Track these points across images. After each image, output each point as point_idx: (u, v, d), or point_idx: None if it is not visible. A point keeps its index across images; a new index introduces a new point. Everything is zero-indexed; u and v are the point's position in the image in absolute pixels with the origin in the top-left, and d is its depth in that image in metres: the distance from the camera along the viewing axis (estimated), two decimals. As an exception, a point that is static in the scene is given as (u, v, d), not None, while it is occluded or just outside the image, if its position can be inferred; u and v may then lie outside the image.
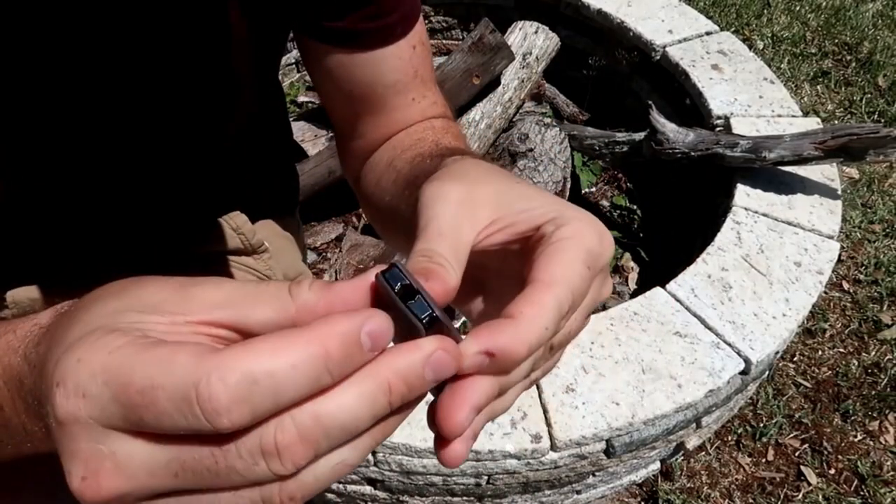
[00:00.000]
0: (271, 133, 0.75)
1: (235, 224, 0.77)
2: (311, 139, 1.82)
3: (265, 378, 0.21)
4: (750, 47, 2.11)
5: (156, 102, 0.55)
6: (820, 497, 1.33)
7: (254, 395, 0.20)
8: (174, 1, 0.49)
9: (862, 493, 1.34)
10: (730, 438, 1.42)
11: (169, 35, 0.51)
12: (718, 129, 1.64)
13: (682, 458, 1.37)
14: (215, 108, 0.58)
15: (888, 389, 1.49)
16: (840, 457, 1.39)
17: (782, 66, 2.40)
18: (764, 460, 1.39)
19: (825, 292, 1.69)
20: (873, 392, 1.49)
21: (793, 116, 1.64)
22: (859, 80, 2.38)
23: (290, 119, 0.68)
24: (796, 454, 1.40)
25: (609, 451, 1.13)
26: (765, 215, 1.41)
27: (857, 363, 1.55)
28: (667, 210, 1.83)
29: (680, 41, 1.85)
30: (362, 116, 0.59)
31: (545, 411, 1.08)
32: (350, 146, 0.62)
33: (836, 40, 2.54)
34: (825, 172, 1.50)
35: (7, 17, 0.48)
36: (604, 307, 1.63)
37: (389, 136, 0.59)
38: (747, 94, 1.69)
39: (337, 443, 0.22)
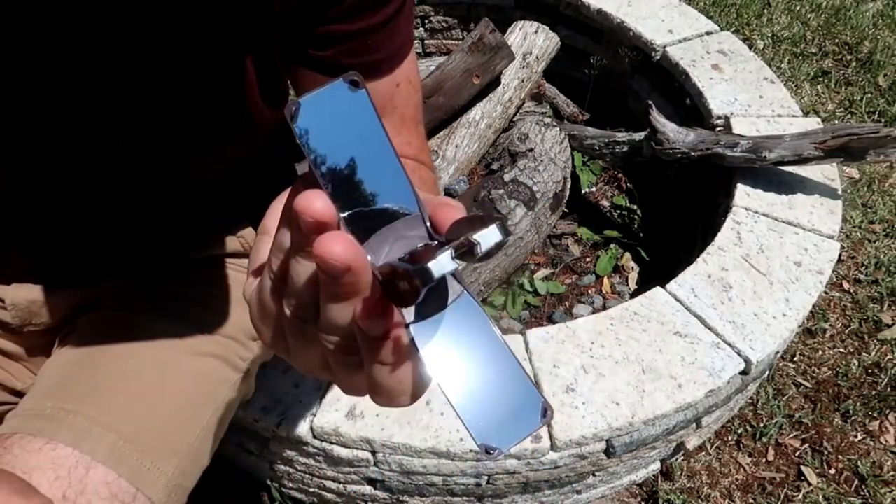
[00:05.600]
0: (280, 148, 0.75)
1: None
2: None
3: None
4: (750, 47, 2.11)
5: (168, 122, 0.55)
6: (820, 497, 1.33)
7: None
8: (193, 40, 0.51)
9: (862, 493, 1.34)
10: (730, 438, 1.42)
11: (185, 64, 0.52)
12: (718, 128, 1.64)
13: (683, 458, 1.37)
14: (226, 127, 0.59)
15: (888, 389, 1.49)
16: (840, 457, 1.39)
17: (782, 65, 2.40)
18: (764, 460, 1.39)
19: (825, 292, 1.69)
20: (873, 392, 1.49)
21: (793, 116, 1.64)
22: (860, 79, 2.37)
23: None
24: (796, 454, 1.40)
25: (609, 451, 1.13)
26: (765, 215, 1.41)
27: (857, 363, 1.55)
28: (667, 210, 1.83)
29: (680, 41, 1.85)
30: None
31: (545, 411, 1.08)
32: None
33: (837, 40, 2.54)
34: (825, 172, 1.50)
35: (18, 24, 0.48)
36: (604, 307, 1.63)
37: None
38: (747, 94, 1.69)
39: None
